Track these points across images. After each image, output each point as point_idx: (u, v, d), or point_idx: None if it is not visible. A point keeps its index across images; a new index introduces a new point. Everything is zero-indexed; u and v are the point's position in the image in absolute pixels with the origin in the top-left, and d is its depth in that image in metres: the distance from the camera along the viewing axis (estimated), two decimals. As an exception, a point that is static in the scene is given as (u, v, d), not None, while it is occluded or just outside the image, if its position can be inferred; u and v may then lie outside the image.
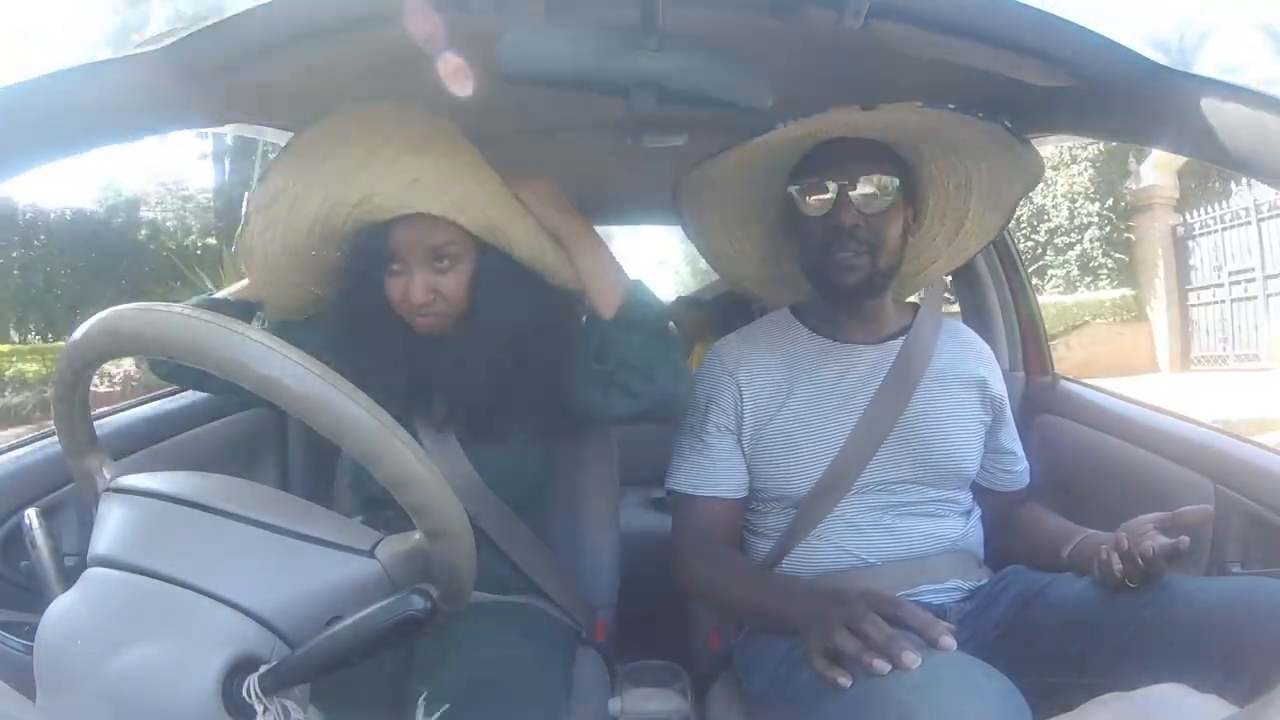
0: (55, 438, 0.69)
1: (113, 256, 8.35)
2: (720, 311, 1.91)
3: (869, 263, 0.95)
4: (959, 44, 0.76)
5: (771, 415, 0.98)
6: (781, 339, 1.04)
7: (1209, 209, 7.89)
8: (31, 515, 0.67)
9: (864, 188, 0.93)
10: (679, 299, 2.10)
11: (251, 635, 0.53)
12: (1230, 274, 7.66)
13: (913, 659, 0.64)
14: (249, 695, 0.50)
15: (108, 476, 0.65)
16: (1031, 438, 1.26)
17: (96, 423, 0.69)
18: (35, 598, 0.63)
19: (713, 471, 0.99)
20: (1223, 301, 7.80)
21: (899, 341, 1.01)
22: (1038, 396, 1.37)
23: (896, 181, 0.94)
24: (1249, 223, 7.36)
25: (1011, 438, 1.08)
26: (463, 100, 0.89)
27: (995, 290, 1.47)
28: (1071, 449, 1.24)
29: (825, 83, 0.96)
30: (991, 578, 0.97)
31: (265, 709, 0.51)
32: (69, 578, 0.59)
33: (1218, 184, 7.98)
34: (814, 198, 0.95)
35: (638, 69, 0.71)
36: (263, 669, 0.52)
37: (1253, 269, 7.35)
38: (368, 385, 0.91)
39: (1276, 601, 0.71)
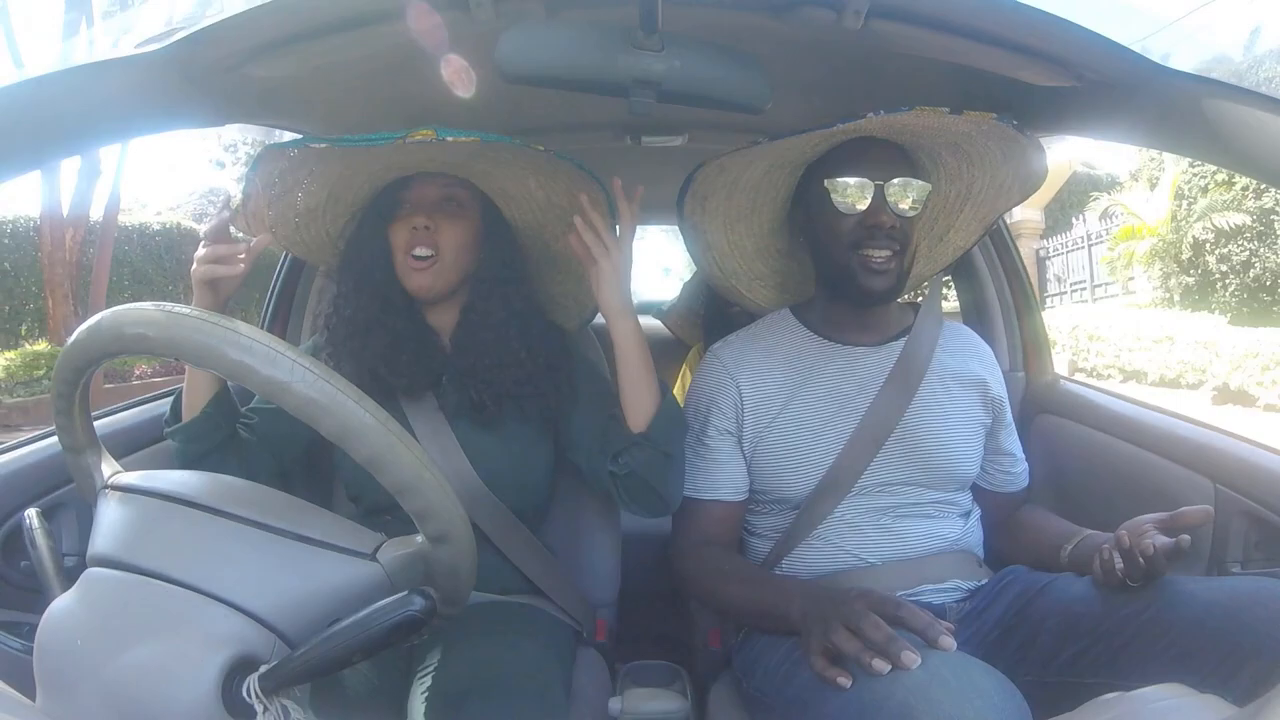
0: (55, 438, 0.69)
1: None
2: (711, 316, 1.92)
3: (897, 265, 0.94)
4: (959, 44, 0.76)
5: (772, 418, 0.98)
6: (782, 340, 1.03)
7: (1060, 237, 11.10)
8: (31, 515, 0.67)
9: (900, 189, 0.92)
10: (671, 306, 2.11)
11: (251, 635, 0.53)
12: (1071, 284, 10.93)
13: (912, 659, 0.64)
14: (249, 695, 0.50)
15: (107, 476, 0.65)
16: (1031, 438, 1.26)
17: (96, 423, 0.69)
18: (35, 598, 0.63)
19: (713, 474, 0.99)
20: (1065, 304, 10.67)
21: (900, 343, 1.01)
22: (1038, 396, 1.37)
23: (929, 187, 0.95)
24: (1083, 247, 10.61)
25: (1011, 439, 1.08)
26: (462, 100, 0.89)
27: (995, 290, 1.47)
28: (1071, 449, 1.24)
29: (825, 84, 0.96)
30: (991, 578, 0.97)
31: (265, 709, 0.51)
32: (69, 578, 0.59)
33: (1061, 217, 11.37)
34: (851, 194, 0.93)
35: (638, 69, 0.71)
36: (262, 669, 0.52)
37: (1085, 280, 10.73)
38: (375, 376, 0.93)
39: (1276, 601, 0.71)
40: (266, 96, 0.92)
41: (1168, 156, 7.96)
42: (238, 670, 0.51)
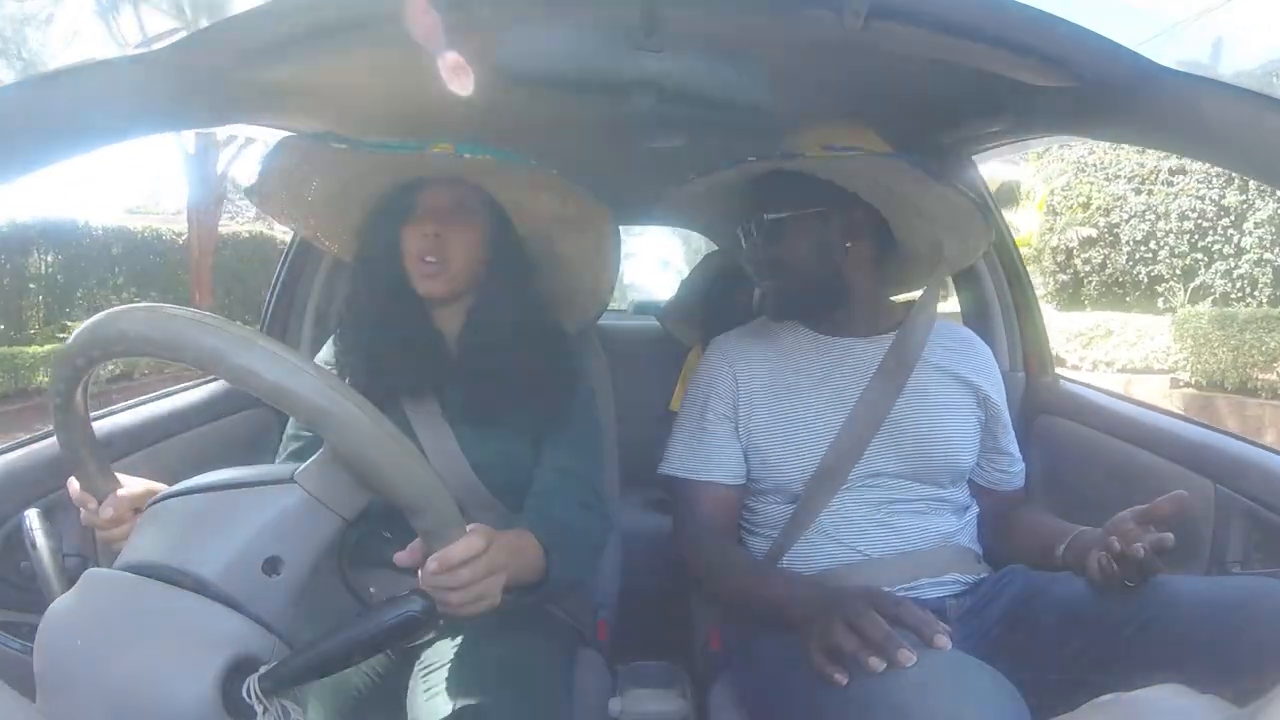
0: (55, 438, 0.69)
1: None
2: (710, 317, 1.93)
3: (778, 288, 1.00)
4: (959, 44, 0.77)
5: (767, 406, 1.00)
6: (777, 333, 1.06)
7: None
8: (31, 515, 0.67)
9: (766, 221, 0.98)
10: (668, 306, 2.12)
11: (250, 636, 0.53)
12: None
13: (908, 656, 0.64)
14: (248, 696, 0.50)
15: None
16: (1032, 438, 1.26)
17: (96, 423, 0.69)
18: (35, 598, 0.62)
19: (709, 456, 1.01)
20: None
21: (892, 336, 1.02)
22: (1038, 396, 1.37)
23: (784, 214, 0.98)
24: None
25: (1008, 439, 1.08)
26: (463, 100, 0.89)
27: (995, 290, 1.47)
28: (1071, 449, 1.24)
29: (825, 84, 0.96)
30: (992, 576, 0.97)
31: (265, 709, 0.50)
32: (69, 578, 0.58)
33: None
34: (740, 236, 1.03)
35: (638, 69, 0.71)
36: (262, 669, 0.51)
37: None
38: (385, 375, 0.93)
39: (1276, 601, 0.71)
40: (266, 97, 0.92)
41: (1039, 179, 9.61)
42: (237, 671, 0.51)
